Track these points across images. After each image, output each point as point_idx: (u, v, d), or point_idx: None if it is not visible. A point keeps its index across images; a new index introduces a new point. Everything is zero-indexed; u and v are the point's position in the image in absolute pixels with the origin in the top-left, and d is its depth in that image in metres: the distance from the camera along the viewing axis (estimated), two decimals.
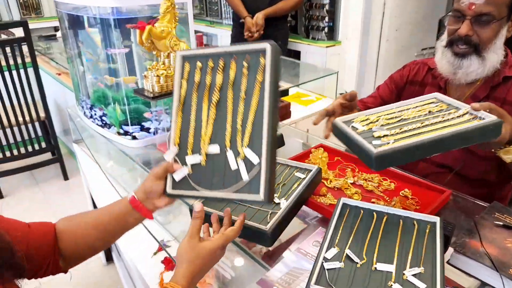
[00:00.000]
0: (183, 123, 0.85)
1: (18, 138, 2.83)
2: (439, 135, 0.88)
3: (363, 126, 1.00)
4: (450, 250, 0.91)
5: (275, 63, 0.76)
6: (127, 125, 1.46)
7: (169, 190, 0.83)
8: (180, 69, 0.86)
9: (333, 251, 0.84)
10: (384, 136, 0.93)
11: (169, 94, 1.30)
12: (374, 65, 3.45)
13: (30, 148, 2.89)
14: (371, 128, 0.98)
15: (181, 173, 0.82)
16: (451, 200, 1.12)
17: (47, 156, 3.07)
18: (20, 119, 2.78)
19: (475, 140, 0.90)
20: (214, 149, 0.81)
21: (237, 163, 0.78)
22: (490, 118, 0.90)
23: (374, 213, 0.94)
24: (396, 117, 1.01)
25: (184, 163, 0.83)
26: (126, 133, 1.48)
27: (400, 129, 0.94)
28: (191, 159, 0.82)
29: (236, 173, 0.78)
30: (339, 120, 1.04)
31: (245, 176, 0.77)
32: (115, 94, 1.45)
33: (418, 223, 0.91)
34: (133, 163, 1.40)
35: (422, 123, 0.95)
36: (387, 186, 1.15)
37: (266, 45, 0.76)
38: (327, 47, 3.21)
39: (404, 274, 0.77)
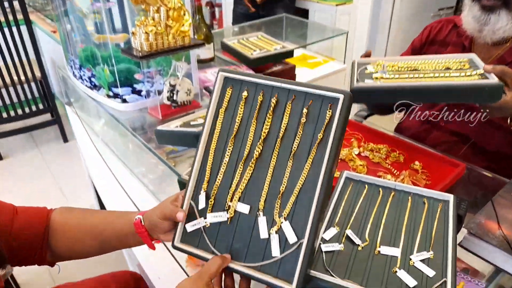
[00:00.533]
0: (212, 166, 0.68)
1: (15, 99, 2.74)
2: (422, 84, 0.89)
3: (373, 68, 1.03)
4: (463, 231, 0.82)
5: (344, 121, 0.60)
6: (117, 87, 1.35)
7: (176, 242, 0.67)
8: (219, 95, 0.69)
9: (332, 231, 0.75)
10: (381, 78, 0.94)
11: (159, 53, 1.19)
12: (387, 26, 3.25)
13: (27, 110, 2.81)
14: (378, 71, 1.01)
15: (196, 224, 0.66)
16: (466, 174, 1.02)
17: (47, 117, 3.00)
18: (15, 78, 2.68)
19: (466, 99, 0.90)
20: (244, 209, 0.64)
21: (269, 233, 0.62)
22: (491, 80, 0.86)
23: (380, 189, 0.85)
24: (410, 66, 1.00)
25: (202, 214, 0.66)
26: (115, 95, 1.38)
27: (400, 75, 0.94)
28: (213, 217, 0.65)
29: (265, 245, 0.62)
30: (357, 60, 1.07)
31: (276, 252, 0.61)
32: (104, 53, 1.34)
33: (429, 201, 0.82)
34: (123, 128, 1.31)
35: (424, 74, 0.93)
36: (396, 158, 1.05)
37: (340, 96, 0.60)
38: (337, 5, 3.02)
39: (410, 259, 0.69)
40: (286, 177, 0.63)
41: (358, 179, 0.89)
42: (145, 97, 1.38)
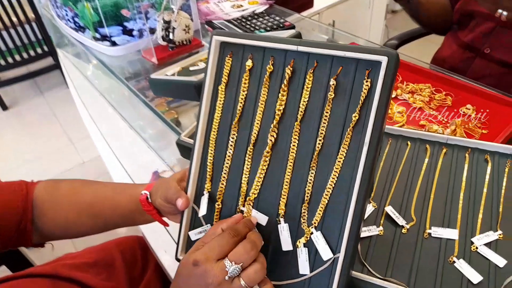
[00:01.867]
0: (215, 161, 0.52)
1: (11, 45, 2.57)
2: None
3: None
4: None
5: (388, 93, 0.42)
6: (103, 27, 1.15)
7: (180, 255, 0.54)
8: (216, 67, 0.51)
9: (368, 208, 0.59)
10: None
11: None
12: None
13: (25, 55, 2.64)
14: None
15: (202, 232, 0.53)
16: None
17: (49, 61, 2.83)
18: (7, 21, 2.48)
19: None
20: (261, 219, 0.49)
21: (294, 245, 0.48)
22: None
23: (427, 145, 0.67)
24: None
25: (209, 220, 0.53)
26: (104, 37, 1.18)
27: None
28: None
29: (289, 259, 0.48)
30: None
31: (304, 269, 0.47)
32: None
33: (493, 157, 0.64)
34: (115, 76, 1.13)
35: None
36: (442, 100, 0.85)
37: (382, 58, 0.41)
38: None
39: (472, 242, 0.53)
40: (313, 173, 0.46)
41: (398, 133, 0.70)
42: (138, 37, 1.18)
